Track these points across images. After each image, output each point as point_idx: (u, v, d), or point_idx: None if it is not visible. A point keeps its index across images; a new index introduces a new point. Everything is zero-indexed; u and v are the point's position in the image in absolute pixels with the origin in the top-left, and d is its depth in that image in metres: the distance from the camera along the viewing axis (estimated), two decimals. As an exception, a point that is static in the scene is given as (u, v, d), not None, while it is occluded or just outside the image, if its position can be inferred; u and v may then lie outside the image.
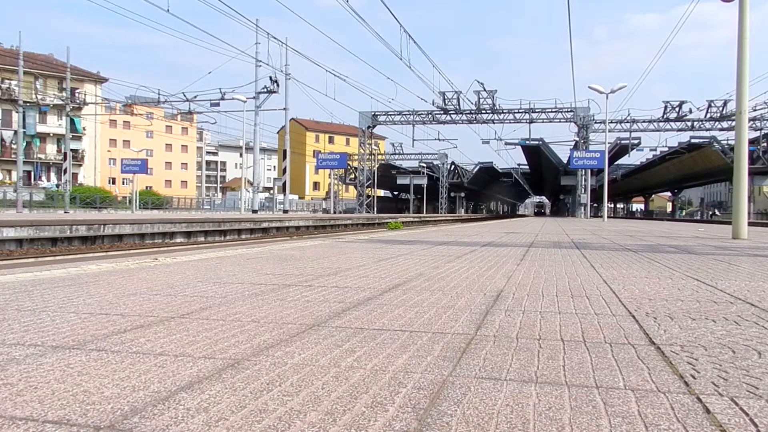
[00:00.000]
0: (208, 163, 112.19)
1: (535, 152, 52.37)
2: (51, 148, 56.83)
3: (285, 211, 33.10)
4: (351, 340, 1.85)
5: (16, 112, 37.43)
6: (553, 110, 45.99)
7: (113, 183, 65.97)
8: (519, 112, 46.30)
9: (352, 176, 57.33)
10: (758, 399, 1.29)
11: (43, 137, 54.99)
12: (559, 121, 46.73)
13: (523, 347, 1.77)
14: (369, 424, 1.12)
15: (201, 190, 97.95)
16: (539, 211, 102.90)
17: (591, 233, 11.71)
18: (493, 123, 48.09)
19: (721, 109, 43.74)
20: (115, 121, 68.51)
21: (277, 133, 73.35)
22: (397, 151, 60.74)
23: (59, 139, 54.53)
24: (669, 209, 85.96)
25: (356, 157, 53.67)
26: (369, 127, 50.70)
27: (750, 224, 12.64)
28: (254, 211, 33.20)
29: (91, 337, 1.83)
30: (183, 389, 1.32)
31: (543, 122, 46.94)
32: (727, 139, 44.09)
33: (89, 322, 2.08)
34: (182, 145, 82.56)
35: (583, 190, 42.14)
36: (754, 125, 42.79)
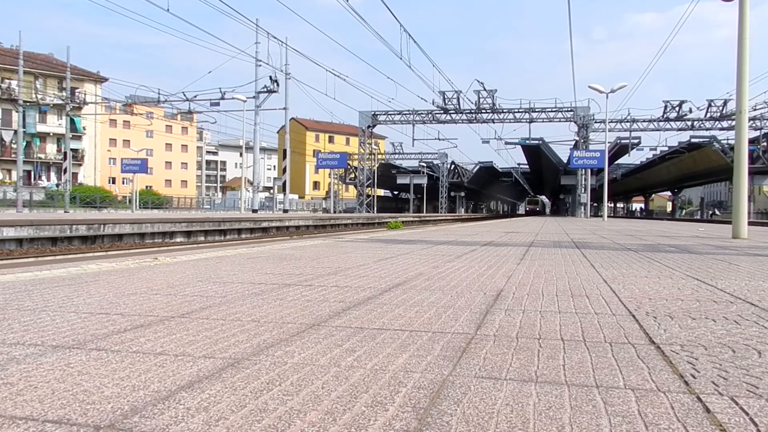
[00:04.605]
0: (208, 162, 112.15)
1: (535, 152, 52.34)
2: (51, 148, 56.79)
3: (285, 211, 33.10)
4: (351, 339, 1.85)
5: (16, 111, 37.46)
6: (553, 110, 45.95)
7: (113, 182, 65.97)
8: (519, 112, 46.26)
9: (352, 176, 57.29)
10: (758, 398, 1.29)
11: (43, 137, 55.00)
12: (559, 121, 46.72)
13: (523, 347, 1.77)
14: (369, 423, 1.12)
15: (201, 190, 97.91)
16: (533, 210, 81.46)
17: (591, 233, 11.71)
18: (493, 122, 48.11)
19: (721, 108, 43.71)
20: (115, 120, 68.51)
21: (277, 132, 73.38)
22: (397, 151, 60.76)
23: (59, 138, 54.50)
24: (669, 209, 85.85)
25: (356, 156, 53.64)
26: (369, 126, 50.66)
27: (750, 224, 12.64)
28: (254, 211, 33.18)
29: (91, 337, 1.83)
30: (183, 389, 1.32)
31: (543, 122, 46.90)
32: (727, 139, 44.07)
33: (89, 321, 2.08)
34: (182, 145, 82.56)
35: (583, 189, 42.11)
36: (754, 125, 42.79)
